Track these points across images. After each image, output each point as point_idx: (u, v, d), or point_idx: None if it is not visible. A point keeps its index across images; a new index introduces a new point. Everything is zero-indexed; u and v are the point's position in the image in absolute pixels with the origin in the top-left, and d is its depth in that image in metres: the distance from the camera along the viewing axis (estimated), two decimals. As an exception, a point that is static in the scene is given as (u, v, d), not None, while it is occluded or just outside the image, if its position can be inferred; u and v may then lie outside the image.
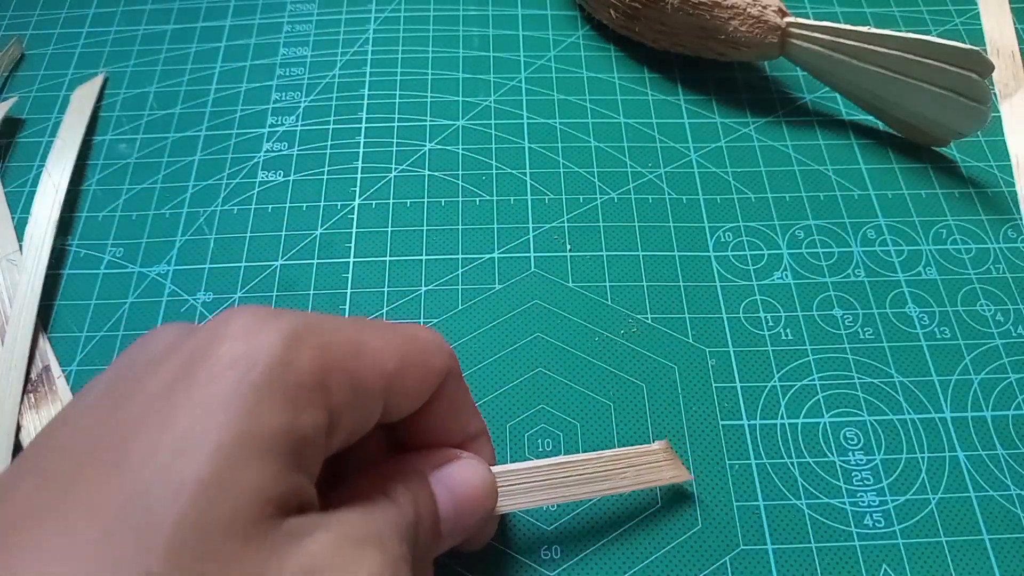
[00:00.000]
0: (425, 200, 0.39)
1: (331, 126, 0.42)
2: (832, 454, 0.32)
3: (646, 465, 0.28)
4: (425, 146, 0.42)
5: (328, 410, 0.17)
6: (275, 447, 0.16)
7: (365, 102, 0.43)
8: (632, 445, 0.32)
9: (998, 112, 0.43)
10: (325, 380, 0.18)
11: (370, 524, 0.18)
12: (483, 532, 0.26)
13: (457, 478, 0.22)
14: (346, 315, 0.36)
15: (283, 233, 0.38)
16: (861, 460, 0.32)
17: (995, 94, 0.43)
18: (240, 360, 0.17)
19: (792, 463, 0.32)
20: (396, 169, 0.41)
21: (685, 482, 0.30)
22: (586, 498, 0.27)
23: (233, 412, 0.16)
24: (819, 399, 0.33)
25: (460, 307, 0.36)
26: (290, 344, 0.17)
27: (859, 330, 0.35)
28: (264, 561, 0.15)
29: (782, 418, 0.33)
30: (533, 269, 0.37)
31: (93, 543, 0.14)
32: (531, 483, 0.25)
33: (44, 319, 0.36)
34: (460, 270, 0.37)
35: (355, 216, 0.39)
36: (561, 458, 0.27)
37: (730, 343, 0.35)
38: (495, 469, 0.25)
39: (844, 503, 0.31)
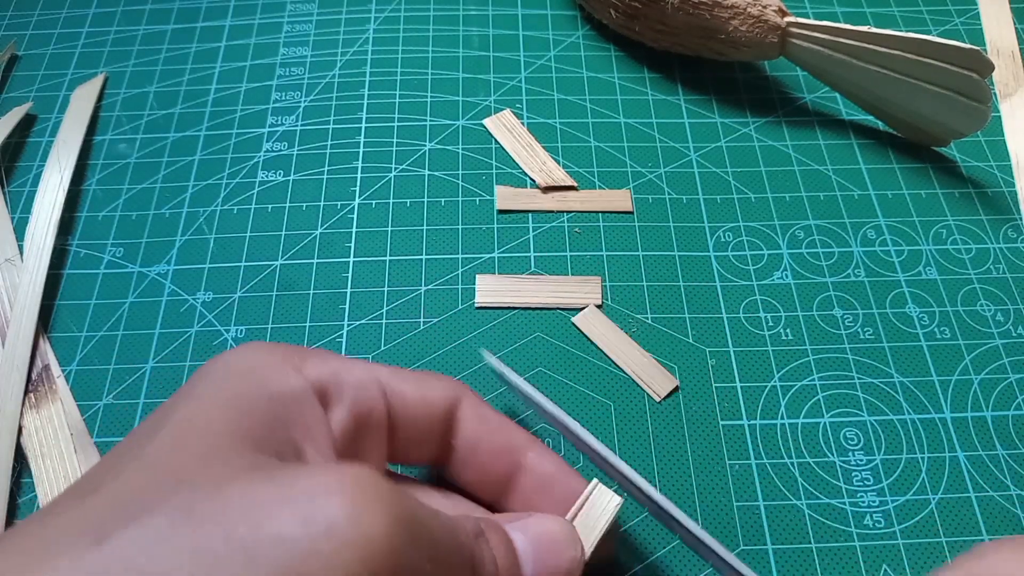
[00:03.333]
0: (425, 200, 0.39)
1: (331, 126, 0.42)
2: (832, 454, 0.32)
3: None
4: (425, 146, 0.42)
5: (309, 382, 0.21)
6: (239, 403, 0.19)
7: (365, 102, 0.43)
8: (631, 448, 0.32)
9: (998, 112, 0.43)
10: (301, 366, 0.21)
11: (379, 487, 0.17)
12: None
13: (534, 526, 0.22)
14: (345, 315, 0.36)
15: (283, 233, 0.38)
16: (861, 460, 0.32)
17: (995, 94, 0.43)
18: (229, 360, 0.21)
19: (792, 463, 0.32)
20: (396, 169, 0.41)
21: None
22: None
23: (216, 386, 0.20)
24: (819, 399, 0.33)
25: (460, 307, 0.36)
26: (272, 348, 0.22)
27: (859, 330, 0.35)
28: (230, 471, 0.17)
29: (782, 418, 0.33)
30: (533, 269, 0.37)
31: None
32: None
33: (44, 319, 0.36)
34: (460, 270, 0.37)
35: (355, 216, 0.39)
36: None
37: (730, 343, 0.35)
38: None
39: (844, 503, 0.31)
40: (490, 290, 0.36)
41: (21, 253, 0.37)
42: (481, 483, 0.25)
